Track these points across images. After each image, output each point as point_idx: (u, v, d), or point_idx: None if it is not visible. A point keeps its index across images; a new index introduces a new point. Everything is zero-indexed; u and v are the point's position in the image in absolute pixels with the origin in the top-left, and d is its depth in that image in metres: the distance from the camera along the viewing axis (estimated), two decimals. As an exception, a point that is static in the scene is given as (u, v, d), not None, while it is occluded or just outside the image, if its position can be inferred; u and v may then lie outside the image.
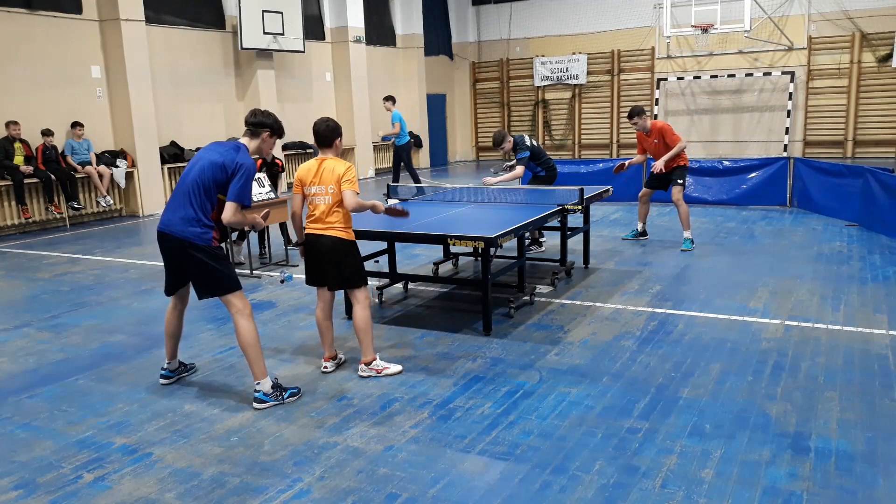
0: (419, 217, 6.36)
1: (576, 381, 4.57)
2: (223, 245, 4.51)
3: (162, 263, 4.65)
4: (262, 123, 4.49)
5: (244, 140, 4.48)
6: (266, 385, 4.37)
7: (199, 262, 4.30)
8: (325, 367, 4.91)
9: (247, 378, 4.82)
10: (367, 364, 4.77)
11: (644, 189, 8.86)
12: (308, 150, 16.98)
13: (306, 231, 4.71)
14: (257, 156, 9.05)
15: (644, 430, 3.85)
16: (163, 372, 4.81)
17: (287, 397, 4.40)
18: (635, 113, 8.36)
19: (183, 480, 3.50)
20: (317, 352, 5.31)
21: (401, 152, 13.89)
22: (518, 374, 4.73)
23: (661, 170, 8.26)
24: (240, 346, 4.39)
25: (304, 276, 4.95)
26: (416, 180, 14.09)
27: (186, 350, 5.40)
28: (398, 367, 4.83)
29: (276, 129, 4.53)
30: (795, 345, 5.10)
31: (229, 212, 4.22)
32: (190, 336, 5.73)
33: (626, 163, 8.76)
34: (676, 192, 8.35)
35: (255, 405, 4.33)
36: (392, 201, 7.45)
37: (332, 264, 4.66)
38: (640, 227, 9.06)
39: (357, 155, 18.31)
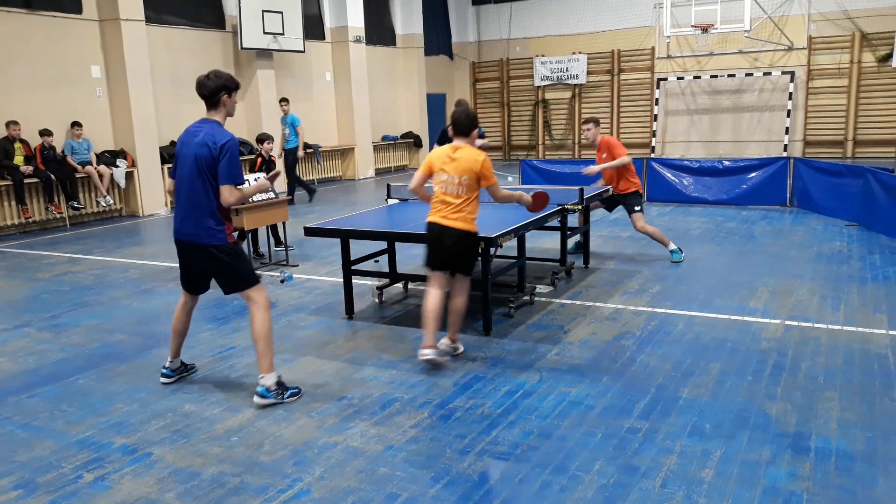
0: (419, 217, 6.35)
1: (576, 380, 4.58)
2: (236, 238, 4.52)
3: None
4: (217, 89, 4.27)
5: (210, 115, 4.32)
6: (270, 380, 4.35)
7: (220, 262, 4.33)
8: (424, 354, 4.77)
9: (247, 378, 4.83)
10: (453, 341, 5.01)
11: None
12: (308, 151, 16.94)
13: (431, 219, 4.78)
14: (261, 153, 9.07)
15: (644, 430, 3.85)
16: (164, 371, 4.80)
17: (287, 397, 4.39)
18: (591, 120, 8.03)
19: (183, 480, 3.50)
20: (317, 352, 5.31)
21: (287, 156, 13.74)
22: (518, 373, 4.73)
23: (591, 172, 7.94)
24: (252, 337, 4.39)
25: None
26: (291, 192, 13.60)
27: (187, 350, 5.39)
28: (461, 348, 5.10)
29: (232, 85, 4.32)
30: (795, 345, 5.10)
31: (226, 195, 4.17)
32: (190, 336, 5.71)
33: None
34: (638, 219, 7.83)
35: (256, 399, 4.32)
36: (392, 201, 7.45)
37: (455, 255, 4.77)
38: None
39: (357, 155, 18.33)
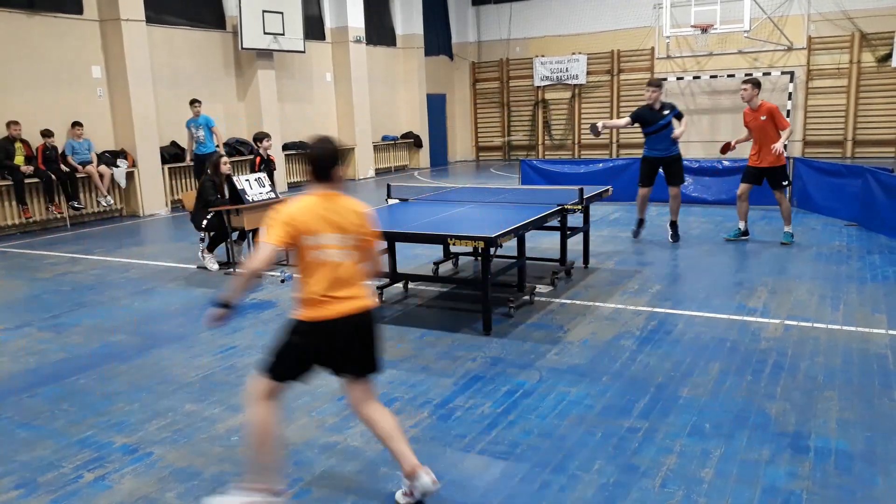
0: (419, 217, 6.36)
1: (575, 380, 4.58)
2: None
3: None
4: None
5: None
6: None
7: None
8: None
9: (247, 378, 4.82)
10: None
11: (742, 185, 8.54)
12: (308, 151, 16.94)
13: (324, 317, 3.09)
14: (260, 152, 9.05)
15: (644, 430, 3.86)
16: None
17: None
18: (751, 81, 8.23)
19: (183, 480, 3.50)
20: (317, 351, 5.30)
21: (204, 162, 11.31)
22: (518, 373, 4.73)
23: (778, 151, 8.07)
24: None
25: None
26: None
27: (187, 350, 5.41)
28: None
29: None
30: (795, 344, 5.10)
31: None
32: (189, 336, 5.75)
33: (734, 142, 8.78)
34: (783, 194, 8.36)
35: None
36: (392, 201, 7.47)
37: (367, 345, 3.25)
38: (741, 225, 8.74)
39: (357, 155, 18.33)
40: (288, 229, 3.04)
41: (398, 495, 3.22)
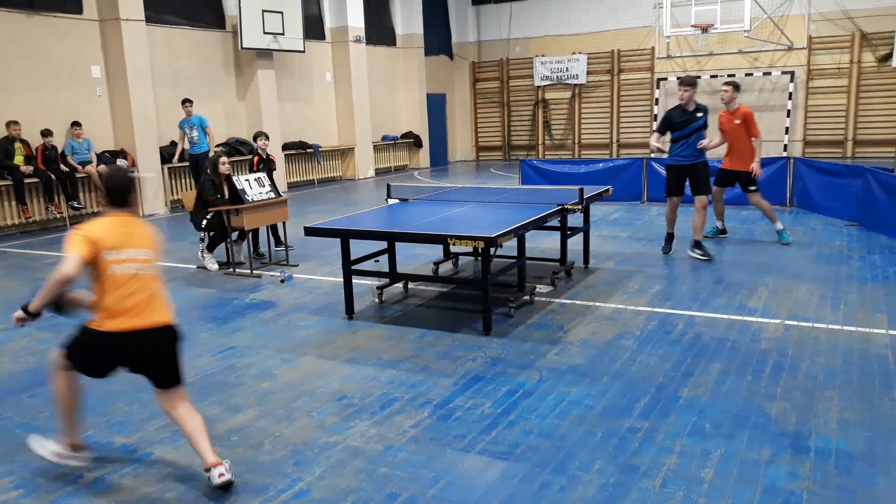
0: (419, 217, 6.36)
1: (576, 380, 4.58)
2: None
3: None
4: None
5: None
6: None
7: None
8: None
9: (247, 378, 4.83)
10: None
11: (714, 188, 8.55)
12: (308, 150, 16.98)
13: (122, 328, 3.32)
14: (258, 151, 9.04)
15: (644, 430, 3.85)
16: None
17: None
18: (732, 84, 8.30)
19: (183, 480, 3.50)
20: (317, 352, 5.31)
21: (202, 162, 11.89)
22: (518, 373, 4.73)
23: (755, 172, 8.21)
24: None
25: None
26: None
27: (186, 350, 5.37)
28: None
29: None
30: (795, 344, 5.10)
31: None
32: (189, 336, 5.73)
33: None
34: (755, 194, 8.50)
35: None
36: (392, 201, 7.47)
37: (165, 360, 3.51)
38: (719, 224, 9.04)
39: (357, 154, 18.34)
40: (89, 243, 3.30)
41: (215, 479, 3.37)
